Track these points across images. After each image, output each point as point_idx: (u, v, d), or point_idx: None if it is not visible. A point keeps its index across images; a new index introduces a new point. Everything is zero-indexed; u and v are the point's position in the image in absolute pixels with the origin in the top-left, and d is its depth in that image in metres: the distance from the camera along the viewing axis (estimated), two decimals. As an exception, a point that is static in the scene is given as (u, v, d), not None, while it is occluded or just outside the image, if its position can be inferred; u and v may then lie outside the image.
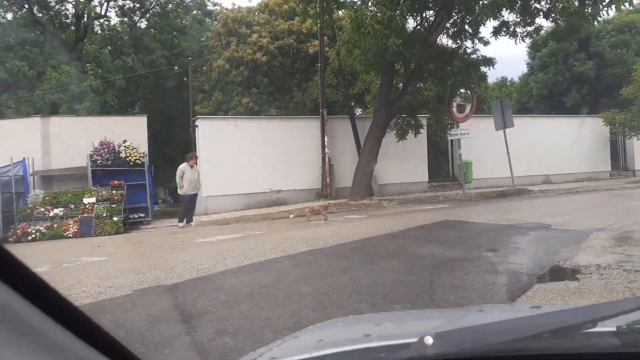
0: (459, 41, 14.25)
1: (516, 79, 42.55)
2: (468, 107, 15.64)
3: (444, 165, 20.23)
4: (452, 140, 18.44)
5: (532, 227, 8.97)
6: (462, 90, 15.50)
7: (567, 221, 9.46)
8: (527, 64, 37.32)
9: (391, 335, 1.23)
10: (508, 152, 16.47)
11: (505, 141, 16.49)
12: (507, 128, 16.50)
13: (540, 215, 10.69)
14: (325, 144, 15.84)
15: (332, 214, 12.66)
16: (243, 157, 15.23)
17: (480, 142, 18.28)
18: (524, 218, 10.13)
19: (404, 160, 17.54)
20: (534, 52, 36.01)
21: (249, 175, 15.19)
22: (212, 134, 15.09)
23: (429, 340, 0.89)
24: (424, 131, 17.75)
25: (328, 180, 15.86)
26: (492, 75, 45.15)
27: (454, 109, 15.41)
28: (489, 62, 14.32)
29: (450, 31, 14.05)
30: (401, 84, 14.96)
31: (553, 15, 13.05)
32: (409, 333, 1.12)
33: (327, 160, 15.85)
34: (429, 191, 17.89)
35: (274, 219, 12.46)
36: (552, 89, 33.63)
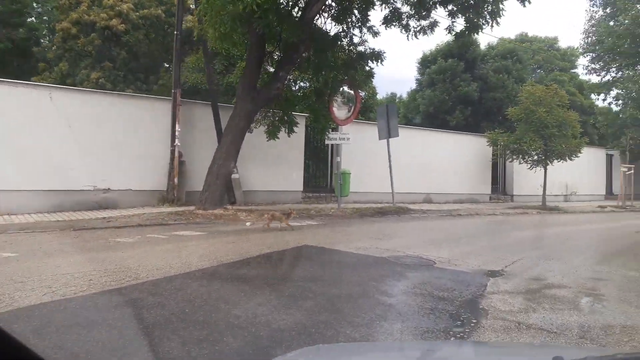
0: (344, 27, 11.89)
1: (405, 96, 42.58)
2: (350, 109, 13.38)
3: (323, 174, 17.93)
4: (332, 147, 16.19)
5: (411, 263, 6.67)
6: (345, 88, 13.20)
7: (454, 256, 7.35)
8: (416, 79, 37.36)
9: None
10: (390, 166, 14.58)
11: (389, 153, 14.59)
12: (392, 138, 14.61)
13: (422, 242, 8.56)
14: (177, 134, 12.53)
15: (163, 227, 9.43)
16: (56, 141, 11.35)
17: (363, 152, 16.25)
18: (403, 246, 7.89)
19: (277, 165, 14.84)
20: (423, 69, 36.04)
21: (64, 166, 11.34)
22: (11, 106, 11.00)
23: None
24: (301, 133, 15.23)
25: (176, 180, 12.55)
26: (382, 90, 44.65)
27: (335, 109, 13.05)
28: (378, 56, 12.18)
29: (334, 11, 11.64)
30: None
31: (451, 6, 11.28)
32: None
33: (176, 154, 12.54)
34: (303, 202, 15.39)
35: (81, 229, 8.88)
36: (438, 107, 33.64)
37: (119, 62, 19.49)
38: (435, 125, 31.69)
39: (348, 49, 12.45)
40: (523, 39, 38.84)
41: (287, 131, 12.60)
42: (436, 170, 18.54)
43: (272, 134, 12.38)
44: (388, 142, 14.64)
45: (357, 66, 12.36)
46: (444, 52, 34.46)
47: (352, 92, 13.43)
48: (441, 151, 18.76)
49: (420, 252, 7.53)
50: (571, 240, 9.89)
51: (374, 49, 12.37)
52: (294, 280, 5.45)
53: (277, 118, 12.67)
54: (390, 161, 14.60)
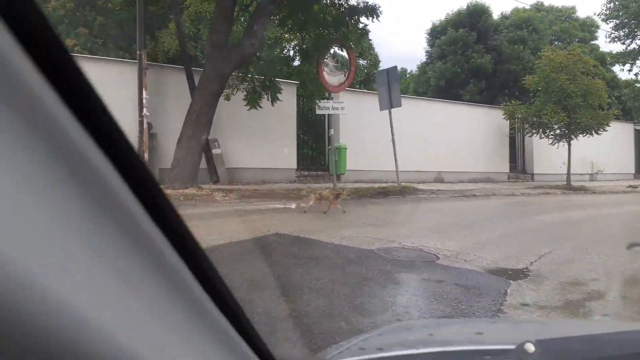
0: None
1: (416, 71, 40.35)
2: (346, 74, 11.62)
3: (321, 150, 16.26)
4: (328, 119, 14.47)
5: (405, 259, 5.05)
6: (337, 50, 11.41)
7: (464, 248, 5.71)
8: (426, 52, 35.14)
9: (489, 341, 1.16)
10: (393, 140, 12.83)
11: (391, 125, 12.83)
12: (394, 108, 12.83)
13: (426, 230, 6.91)
14: (144, 102, 10.91)
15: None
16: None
17: (364, 125, 14.52)
18: (401, 235, 6.27)
19: (265, 140, 13.19)
20: (433, 40, 33.80)
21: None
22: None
23: (529, 347, 0.83)
24: (292, 103, 13.54)
25: (146, 156, 10.98)
26: (391, 65, 42.41)
27: (326, 74, 11.27)
28: (372, 11, 10.37)
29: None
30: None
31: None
32: (501, 340, 1.10)
33: (145, 126, 10.95)
34: (298, 182, 13.77)
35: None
36: (449, 80, 31.55)
37: (96, 29, 17.81)
38: (447, 99, 29.79)
39: (338, 3, 10.63)
40: (539, 8, 36.24)
41: (269, 99, 10.91)
42: (448, 147, 16.74)
43: (252, 102, 10.71)
44: (390, 113, 12.87)
45: (349, 23, 10.54)
46: (455, 22, 32.16)
47: (345, 55, 11.63)
48: (453, 125, 16.92)
49: (421, 242, 5.89)
50: (607, 227, 8.14)
51: (367, 2, 10.55)
52: (249, 279, 3.87)
53: (258, 84, 10.97)
54: (393, 135, 12.85)
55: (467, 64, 31.44)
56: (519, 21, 32.61)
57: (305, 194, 8.59)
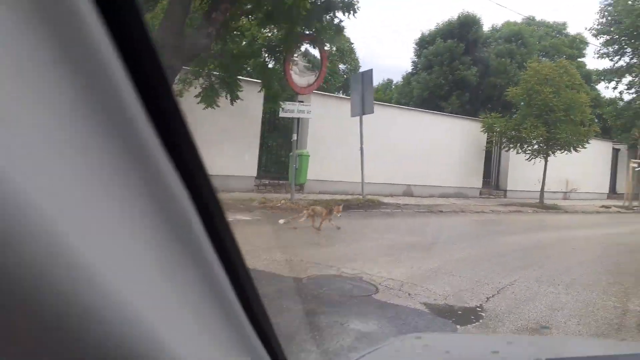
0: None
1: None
2: (315, 74, 10.82)
3: (287, 156, 15.37)
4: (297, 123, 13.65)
5: (339, 291, 4.25)
6: (308, 48, 10.64)
7: (414, 276, 4.94)
8: (412, 62, 34.58)
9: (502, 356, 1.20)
10: (361, 149, 12.09)
11: (361, 133, 12.08)
12: (366, 115, 12.08)
13: (376, 251, 6.12)
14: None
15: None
16: None
17: (333, 132, 13.71)
18: (344, 258, 5.47)
19: (222, 143, 12.22)
20: (420, 50, 33.32)
21: None
22: None
23: None
24: (257, 103, 12.67)
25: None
26: (377, 76, 41.86)
27: (294, 73, 10.44)
28: (349, 5, 9.58)
29: None
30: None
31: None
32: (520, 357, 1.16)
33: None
34: (257, 191, 12.89)
35: None
36: (433, 92, 31.03)
37: None
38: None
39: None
40: (530, 22, 36.05)
41: (228, 97, 10.04)
42: (419, 159, 16.03)
43: (207, 100, 9.80)
44: (361, 120, 12.11)
45: (324, 18, 9.74)
46: (444, 32, 31.65)
47: (317, 54, 10.85)
48: (427, 136, 16.22)
49: (364, 268, 5.08)
50: (579, 252, 7.44)
51: (345, -5, 9.75)
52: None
53: (215, 80, 10.09)
54: (361, 144, 12.10)
55: (452, 76, 30.91)
56: (509, 34, 32.26)
57: (259, 205, 7.83)
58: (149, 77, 0.37)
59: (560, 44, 34.38)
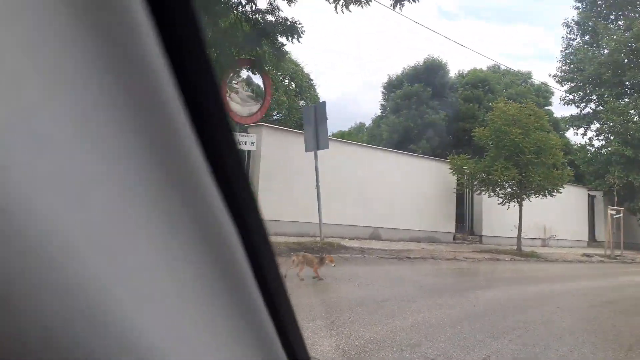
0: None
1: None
2: (258, 103, 9.59)
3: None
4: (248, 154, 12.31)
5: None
6: (249, 75, 9.45)
7: (349, 349, 3.44)
8: (381, 105, 34.24)
9: None
10: (318, 187, 10.78)
11: (316, 169, 10.83)
12: (320, 150, 10.85)
13: (306, 313, 4.60)
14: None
15: None
16: None
17: (289, 168, 12.39)
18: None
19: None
20: (388, 93, 33.03)
21: None
22: None
23: None
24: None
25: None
26: (350, 120, 41.52)
27: (232, 100, 9.19)
28: (293, 29, 8.52)
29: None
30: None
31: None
32: None
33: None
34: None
35: None
36: (403, 135, 30.48)
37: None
38: (398, 154, 28.26)
39: (253, 18, 8.73)
40: (495, 70, 36.41)
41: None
42: (387, 200, 14.77)
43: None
44: (316, 155, 10.87)
45: (264, 41, 8.63)
46: (411, 76, 31.54)
47: (260, 82, 9.67)
48: (394, 177, 15.05)
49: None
50: (566, 314, 6.07)
51: (288, 18, 8.71)
52: None
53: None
54: (317, 182, 10.80)
55: (421, 120, 30.54)
56: (476, 80, 32.31)
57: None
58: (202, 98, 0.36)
59: (527, 92, 34.52)
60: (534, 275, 9.93)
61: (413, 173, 15.72)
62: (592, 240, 21.75)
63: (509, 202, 14.64)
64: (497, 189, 14.50)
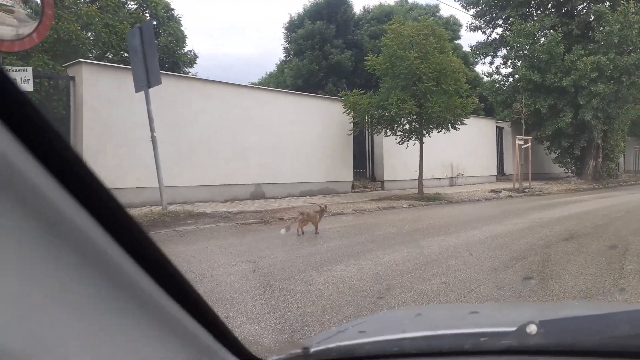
0: None
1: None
2: (31, 24, 6.60)
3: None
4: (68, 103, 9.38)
5: None
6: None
7: None
8: (284, 48, 31.32)
9: (486, 324, 1.07)
10: (154, 138, 8.15)
11: (149, 114, 8.17)
12: (153, 87, 8.14)
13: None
14: None
15: None
16: None
17: (126, 118, 9.57)
18: None
19: None
20: (289, 34, 30.11)
21: None
22: None
23: (531, 328, 0.76)
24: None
25: None
26: (255, 74, 38.02)
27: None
28: None
29: None
30: None
31: None
32: (501, 323, 1.05)
33: None
34: None
35: None
36: (307, 79, 27.98)
37: None
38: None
39: None
40: (402, 4, 34.44)
41: None
42: (270, 150, 12.42)
43: None
44: (147, 95, 8.15)
45: None
46: (312, 14, 28.79)
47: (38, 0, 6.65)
48: (278, 122, 12.66)
49: None
50: (453, 290, 4.05)
51: None
52: None
53: None
54: (152, 131, 8.16)
55: (326, 61, 28.18)
56: (382, 15, 30.22)
57: None
58: None
59: (435, 26, 33.05)
60: (429, 225, 8.09)
61: (302, 116, 13.39)
62: (502, 174, 20.93)
63: (408, 141, 12.79)
64: (395, 126, 12.55)
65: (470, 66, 29.27)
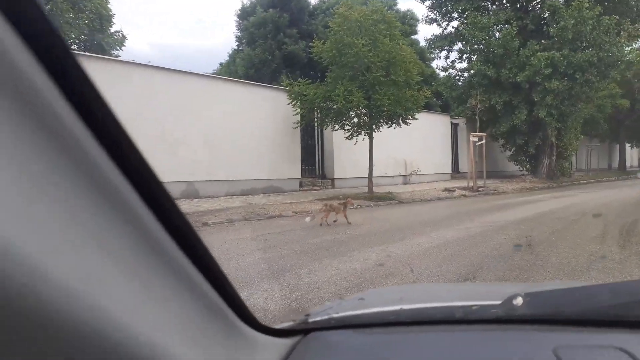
0: None
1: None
2: None
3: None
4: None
5: None
6: None
7: None
8: (236, 37, 29.88)
9: (473, 298, 1.07)
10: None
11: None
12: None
13: None
14: None
15: None
16: None
17: None
18: None
19: None
20: (242, 22, 28.72)
21: None
22: None
23: (518, 299, 0.82)
24: None
25: None
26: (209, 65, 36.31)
27: None
28: None
29: None
30: None
31: None
32: (490, 296, 1.04)
33: None
34: None
35: None
36: (260, 69, 26.70)
37: None
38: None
39: None
40: (359, -4, 33.63)
41: None
42: (205, 144, 11.20)
43: None
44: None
45: None
46: (265, 1, 27.54)
47: None
48: (213, 112, 11.44)
49: None
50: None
51: None
52: None
53: None
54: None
55: (280, 51, 27.02)
56: (335, 3, 29.21)
57: None
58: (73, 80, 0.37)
59: (385, 11, 32.42)
60: (372, 230, 7.15)
61: (243, 106, 12.22)
62: (457, 171, 20.44)
63: (357, 136, 11.88)
64: (343, 119, 11.60)
65: (427, 62, 28.86)
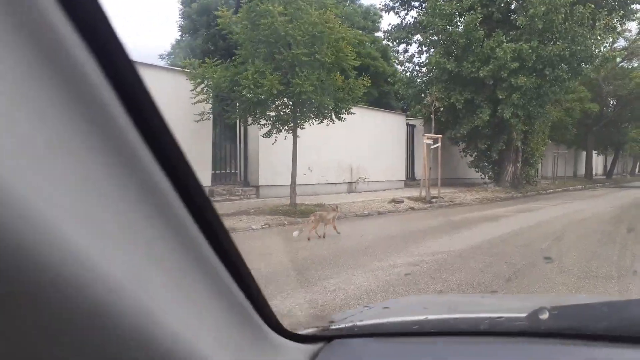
0: None
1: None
2: None
3: None
4: None
5: None
6: None
7: None
8: (179, 26, 27.13)
9: (498, 310, 1.09)
10: None
11: None
12: None
13: None
14: None
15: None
16: None
17: None
18: None
19: None
20: (184, 8, 26.01)
21: None
22: None
23: (544, 312, 0.80)
24: None
25: None
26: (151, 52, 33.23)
27: None
28: None
29: None
30: None
31: None
32: (515, 309, 1.08)
33: None
34: None
35: None
36: (202, 60, 24.04)
37: None
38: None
39: None
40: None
41: None
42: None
43: None
44: None
45: None
46: (208, -13, 24.90)
47: None
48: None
49: None
50: None
51: None
52: None
53: None
54: None
55: (224, 41, 24.36)
56: (293, -3, 26.81)
57: None
58: (126, 78, 0.38)
59: (354, 14, 30.27)
60: (283, 261, 4.62)
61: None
62: (412, 178, 18.16)
63: (276, 134, 9.37)
64: (257, 111, 9.07)
65: (390, 61, 26.76)
